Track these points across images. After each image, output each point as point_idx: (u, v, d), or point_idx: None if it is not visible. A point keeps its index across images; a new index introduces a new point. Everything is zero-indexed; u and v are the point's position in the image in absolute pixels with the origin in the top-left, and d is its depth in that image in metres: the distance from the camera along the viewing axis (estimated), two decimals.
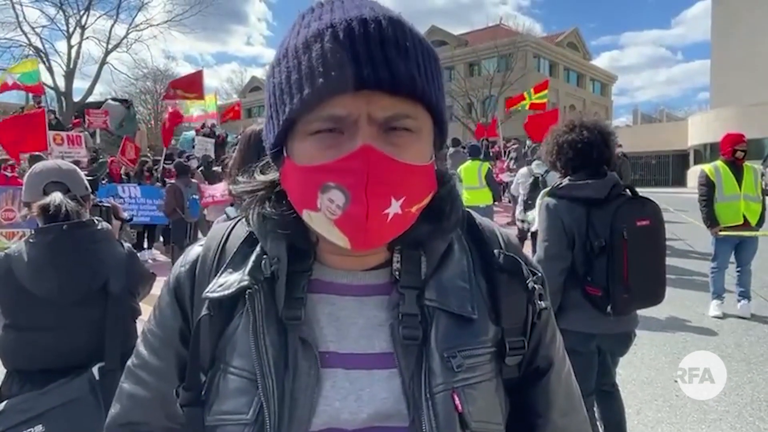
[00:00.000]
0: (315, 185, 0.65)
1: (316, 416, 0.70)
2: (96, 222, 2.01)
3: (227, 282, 0.75)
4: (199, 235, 8.48)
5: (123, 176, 11.50)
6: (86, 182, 2.18)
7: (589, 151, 2.59)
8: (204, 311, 0.75)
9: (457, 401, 0.70)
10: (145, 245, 10.48)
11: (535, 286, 0.81)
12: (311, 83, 0.63)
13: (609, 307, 2.45)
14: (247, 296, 0.73)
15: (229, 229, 0.84)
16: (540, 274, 0.83)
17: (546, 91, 16.47)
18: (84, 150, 12.01)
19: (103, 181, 10.27)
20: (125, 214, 2.38)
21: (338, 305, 0.76)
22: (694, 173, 26.43)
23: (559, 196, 2.63)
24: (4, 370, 2.04)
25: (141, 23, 31.25)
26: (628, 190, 2.58)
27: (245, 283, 0.73)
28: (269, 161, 0.78)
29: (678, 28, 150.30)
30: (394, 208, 0.65)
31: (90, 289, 1.95)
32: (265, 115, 0.74)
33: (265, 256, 0.75)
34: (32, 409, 1.83)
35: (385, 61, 0.62)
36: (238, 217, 0.85)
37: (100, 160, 9.42)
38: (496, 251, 0.82)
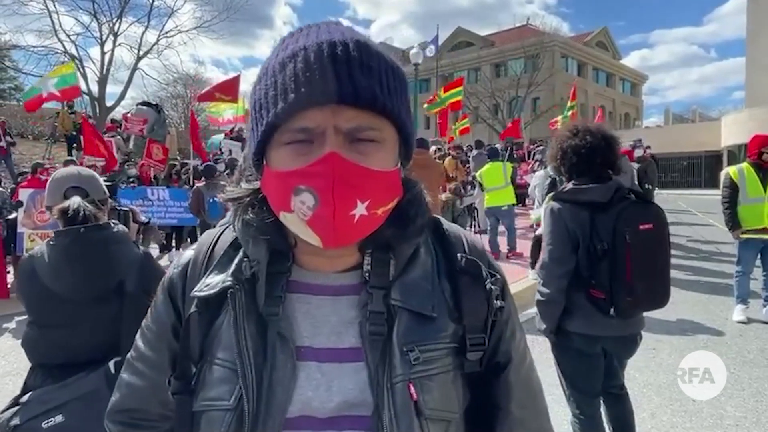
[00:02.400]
0: (288, 188, 0.72)
1: (292, 404, 0.77)
2: (112, 225, 2.12)
3: (213, 282, 0.83)
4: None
5: (152, 179, 11.80)
6: (105, 187, 2.29)
7: (592, 156, 2.61)
8: (193, 309, 0.84)
9: (413, 391, 0.77)
10: (173, 246, 10.75)
11: (492, 287, 0.87)
12: (284, 98, 0.71)
13: (612, 310, 2.47)
14: (229, 295, 0.81)
15: (217, 235, 0.93)
16: (498, 276, 0.90)
17: (460, 88, 16.19)
18: (115, 154, 12.39)
19: (133, 184, 10.57)
20: (143, 218, 2.48)
21: (313, 304, 0.83)
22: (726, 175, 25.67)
23: (564, 200, 2.66)
24: (29, 364, 2.17)
25: (171, 30, 31.94)
26: (632, 194, 2.59)
27: (228, 283, 0.82)
28: (252, 170, 0.85)
29: (710, 25, 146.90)
30: (360, 209, 0.72)
31: (106, 288, 2.06)
32: (247, 128, 0.84)
33: (246, 259, 0.83)
34: (53, 400, 1.94)
35: (349, 78, 0.70)
36: (227, 224, 0.93)
37: (127, 169, 9.71)
38: (459, 255, 0.88)
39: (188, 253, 0.94)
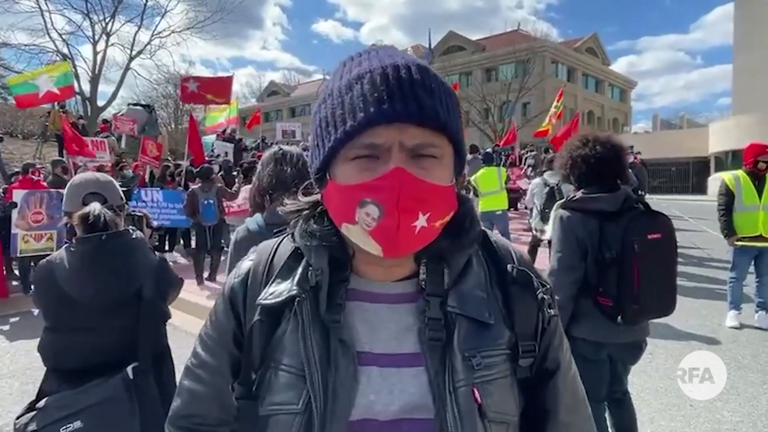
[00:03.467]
0: (354, 201, 0.76)
1: (355, 407, 0.80)
2: (131, 231, 2.13)
3: (277, 291, 0.87)
4: (222, 239, 8.66)
5: (146, 181, 11.72)
6: (121, 193, 2.30)
7: (602, 166, 2.65)
8: (256, 317, 0.88)
9: (477, 395, 0.81)
10: (166, 248, 10.70)
11: (545, 296, 0.92)
12: (353, 117, 0.75)
13: (619, 318, 2.52)
14: (296, 303, 0.85)
15: (276, 246, 0.97)
16: (548, 286, 0.94)
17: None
18: (108, 155, 12.29)
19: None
20: (154, 223, 2.49)
21: (371, 311, 0.87)
22: (714, 181, 25.98)
23: (573, 208, 2.70)
24: (26, 367, 2.16)
25: (164, 30, 31.78)
26: (640, 204, 2.63)
27: (294, 291, 0.85)
28: (311, 183, 0.90)
29: (697, 32, 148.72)
30: (421, 221, 0.76)
31: (125, 294, 2.07)
32: (311, 144, 0.87)
33: (310, 268, 0.87)
34: (71, 406, 1.94)
35: (414, 99, 0.75)
36: (284, 235, 0.98)
37: (128, 173, 9.63)
38: (509, 266, 0.93)
39: (247, 263, 0.96)
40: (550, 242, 3.20)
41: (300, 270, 0.88)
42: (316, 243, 0.87)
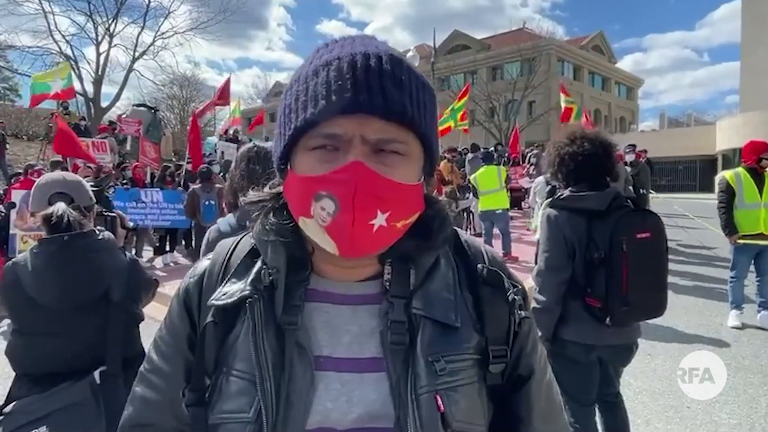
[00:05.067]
0: (310, 194, 0.72)
1: (311, 416, 0.76)
2: (97, 232, 2.08)
3: (230, 291, 0.82)
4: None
5: (145, 182, 11.73)
6: (91, 193, 2.25)
7: (589, 163, 2.58)
8: (209, 318, 0.83)
9: (440, 402, 0.76)
10: (167, 249, 10.69)
11: (515, 297, 0.87)
12: (314, 104, 0.71)
13: (608, 319, 2.44)
14: (247, 304, 0.80)
15: (235, 243, 0.92)
16: (520, 287, 0.89)
17: (466, 98, 16.40)
18: (109, 156, 12.34)
19: (126, 186, 10.51)
20: (130, 223, 2.45)
21: (332, 313, 0.82)
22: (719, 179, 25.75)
23: (561, 207, 2.63)
24: (14, 374, 2.13)
25: (167, 31, 31.87)
26: (630, 202, 2.56)
27: (246, 292, 0.81)
28: (276, 176, 0.86)
29: (703, 30, 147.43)
30: (380, 220, 0.72)
31: (91, 296, 2.02)
32: (275, 132, 0.83)
33: (264, 267, 0.82)
34: (37, 411, 1.90)
35: (380, 90, 0.70)
36: (244, 233, 0.93)
37: (102, 175, 9.63)
38: (479, 266, 0.88)
39: (204, 263, 0.92)
40: (539, 242, 3.17)
41: (255, 269, 0.83)
42: (273, 238, 0.82)
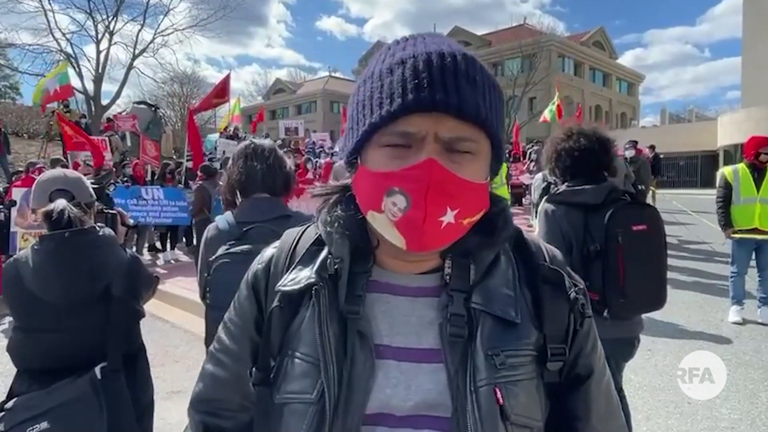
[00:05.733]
0: (382, 189, 0.74)
1: (370, 401, 0.78)
2: (98, 228, 2.09)
3: (297, 278, 0.85)
4: None
5: (146, 180, 11.74)
6: (91, 190, 2.25)
7: (586, 158, 2.60)
8: (275, 303, 0.86)
9: (499, 395, 0.77)
10: (168, 246, 10.71)
11: (578, 296, 0.87)
12: (390, 102, 0.72)
13: (606, 312, 2.45)
14: (313, 291, 0.83)
15: (300, 233, 0.95)
16: (581, 286, 0.89)
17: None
18: (109, 153, 12.33)
19: (127, 184, 10.51)
20: (130, 221, 2.45)
21: (392, 304, 0.84)
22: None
23: (557, 201, 2.65)
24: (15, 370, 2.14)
25: (167, 28, 31.80)
26: (627, 196, 2.57)
27: (312, 279, 0.83)
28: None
29: (704, 25, 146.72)
30: (449, 217, 0.73)
31: (92, 293, 2.03)
32: (346, 127, 0.85)
33: (330, 256, 0.84)
34: (38, 406, 1.91)
35: (455, 89, 0.71)
36: (310, 223, 0.96)
37: (104, 171, 9.62)
38: (541, 264, 0.89)
39: (270, 251, 0.96)
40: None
41: (321, 258, 0.85)
42: (339, 230, 0.84)
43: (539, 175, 7.42)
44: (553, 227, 2.60)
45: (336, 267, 0.83)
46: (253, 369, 0.88)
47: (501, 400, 0.76)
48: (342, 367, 0.78)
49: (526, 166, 14.26)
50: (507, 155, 15.72)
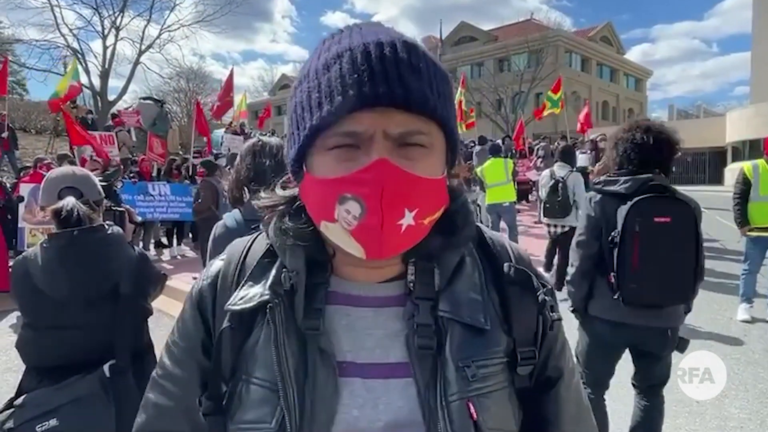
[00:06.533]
0: (333, 197, 0.68)
1: (335, 424, 0.72)
2: (106, 226, 2.08)
3: (248, 295, 0.78)
4: None
5: (152, 175, 11.77)
6: (100, 187, 2.25)
7: (636, 152, 2.71)
8: (225, 323, 0.79)
9: (472, 409, 0.73)
10: (174, 241, 10.74)
11: (546, 297, 0.83)
12: (330, 101, 0.67)
13: (618, 295, 2.60)
14: (268, 310, 0.76)
15: (249, 244, 0.88)
16: (550, 287, 0.86)
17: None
18: (116, 149, 12.38)
19: (133, 180, 10.54)
20: (138, 218, 2.45)
21: (354, 316, 0.78)
22: (731, 171, 25.50)
23: (596, 190, 2.86)
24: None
25: (172, 24, 31.81)
26: (667, 191, 2.65)
27: (266, 296, 0.77)
28: (289, 177, 0.82)
29: (712, 20, 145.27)
30: (408, 219, 0.68)
31: (100, 290, 2.03)
32: (287, 132, 0.79)
33: (284, 270, 0.78)
34: (47, 403, 1.91)
35: (399, 80, 0.66)
36: (258, 232, 0.89)
37: (113, 168, 9.63)
38: (506, 265, 0.84)
39: (217, 264, 0.88)
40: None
41: (274, 272, 0.79)
42: (291, 242, 0.78)
43: (546, 172, 7.38)
44: (589, 212, 2.82)
45: (291, 281, 0.76)
46: (203, 397, 0.81)
47: (474, 415, 0.72)
48: (303, 390, 0.73)
49: (533, 162, 14.19)
50: (513, 151, 15.69)
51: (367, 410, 0.73)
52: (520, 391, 0.82)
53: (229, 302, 0.79)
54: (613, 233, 2.61)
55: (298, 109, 0.72)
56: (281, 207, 0.82)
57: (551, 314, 0.83)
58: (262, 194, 0.85)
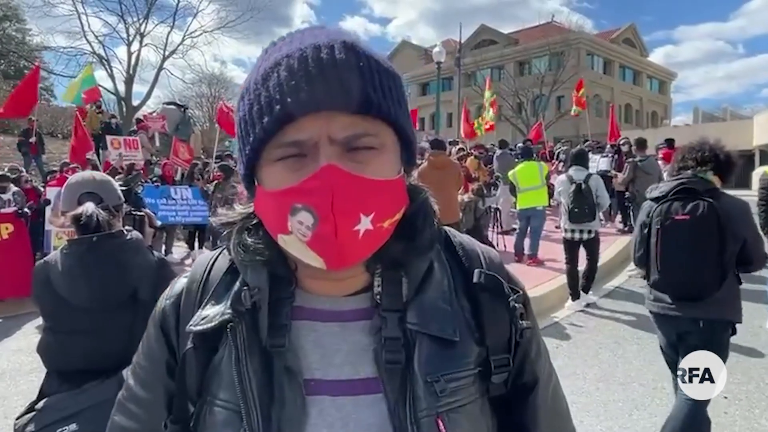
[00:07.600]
0: (285, 208, 0.66)
1: None
2: (126, 232, 2.10)
3: (209, 315, 0.76)
4: None
5: (174, 179, 11.91)
6: (120, 192, 2.27)
7: (684, 167, 3.11)
8: (189, 344, 0.77)
9: (441, 426, 0.70)
10: (196, 245, 10.84)
11: (516, 305, 0.80)
12: (270, 111, 0.65)
13: (647, 279, 3.16)
14: (228, 329, 0.74)
15: (212, 260, 0.85)
16: (521, 292, 0.83)
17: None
18: (140, 153, 12.58)
19: (156, 183, 10.68)
20: (158, 222, 2.46)
21: (321, 331, 0.76)
22: (758, 175, 24.96)
23: (645, 197, 3.31)
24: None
25: (195, 30, 32.28)
26: (706, 195, 2.93)
27: (227, 316, 0.74)
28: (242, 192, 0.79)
29: (737, 20, 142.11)
30: (365, 224, 0.66)
31: (120, 296, 2.04)
32: (236, 148, 0.77)
33: (245, 288, 0.75)
34: (67, 408, 1.93)
35: (338, 82, 0.63)
36: (221, 248, 0.86)
37: (134, 173, 9.75)
38: (477, 271, 0.81)
39: (181, 282, 0.86)
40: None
41: (235, 289, 0.76)
42: (251, 258, 0.75)
43: (563, 177, 7.24)
44: (639, 216, 3.29)
45: (253, 299, 0.74)
46: (168, 420, 0.79)
47: (444, 431, 0.70)
48: (269, 411, 0.70)
49: (555, 166, 14.01)
50: (536, 155, 15.56)
51: (336, 429, 0.70)
52: (495, 399, 0.79)
53: (191, 322, 0.77)
54: (644, 230, 3.12)
55: (242, 123, 0.70)
56: (239, 224, 0.80)
57: (522, 323, 0.80)
58: (220, 210, 0.83)
